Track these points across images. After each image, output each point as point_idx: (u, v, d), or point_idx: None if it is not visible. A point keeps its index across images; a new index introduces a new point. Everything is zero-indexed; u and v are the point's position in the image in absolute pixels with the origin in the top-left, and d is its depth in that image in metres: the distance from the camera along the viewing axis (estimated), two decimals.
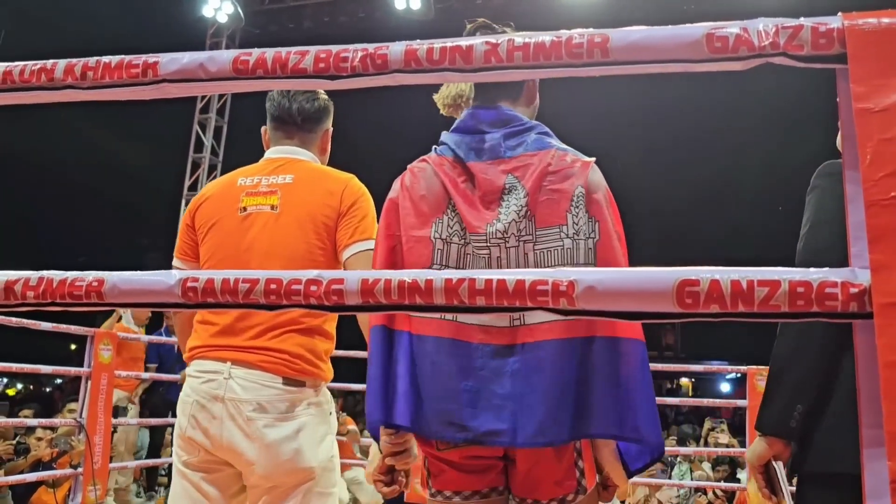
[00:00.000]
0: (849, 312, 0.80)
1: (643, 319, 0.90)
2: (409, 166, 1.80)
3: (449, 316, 1.61)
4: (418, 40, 1.01)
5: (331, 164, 2.41)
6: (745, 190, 18.58)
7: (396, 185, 1.78)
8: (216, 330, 2.15)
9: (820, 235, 1.65)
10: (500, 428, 1.56)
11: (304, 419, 2.09)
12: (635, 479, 6.20)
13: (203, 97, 12.28)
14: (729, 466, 7.12)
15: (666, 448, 7.27)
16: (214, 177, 12.28)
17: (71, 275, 1.11)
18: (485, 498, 1.70)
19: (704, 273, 0.85)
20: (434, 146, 1.81)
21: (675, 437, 8.73)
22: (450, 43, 0.99)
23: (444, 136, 1.80)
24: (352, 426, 6.56)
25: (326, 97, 2.36)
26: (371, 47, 1.03)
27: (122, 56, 1.16)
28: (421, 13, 11.05)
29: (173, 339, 6.86)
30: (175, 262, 2.31)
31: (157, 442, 7.42)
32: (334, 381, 2.27)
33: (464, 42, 0.98)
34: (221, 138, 12.50)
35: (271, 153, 2.32)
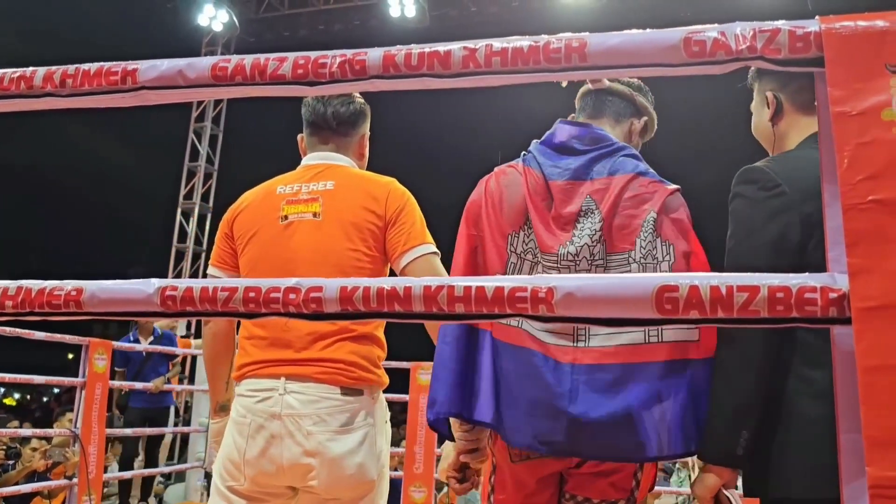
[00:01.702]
0: (828, 318, 0.79)
1: (623, 326, 0.89)
2: (496, 169, 1.80)
3: (527, 326, 1.62)
4: (396, 46, 1.00)
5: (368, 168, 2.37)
6: None
7: (480, 188, 1.78)
8: (265, 344, 2.08)
9: (745, 249, 1.59)
10: (580, 441, 1.57)
11: (364, 430, 2.03)
12: None
13: (198, 106, 12.31)
14: None
15: None
16: (210, 185, 12.29)
17: (49, 284, 1.10)
18: None
19: (683, 279, 0.84)
20: (522, 153, 1.80)
21: None
22: (427, 49, 0.98)
23: (533, 146, 1.79)
24: None
25: (363, 101, 2.31)
26: (349, 53, 1.02)
27: (102, 63, 1.15)
28: (416, 21, 11.08)
29: (139, 345, 6.80)
30: (211, 270, 2.24)
31: (129, 452, 7.34)
32: None
33: (441, 48, 0.98)
34: (217, 147, 12.51)
35: (309, 160, 2.27)
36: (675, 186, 1.70)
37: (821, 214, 1.52)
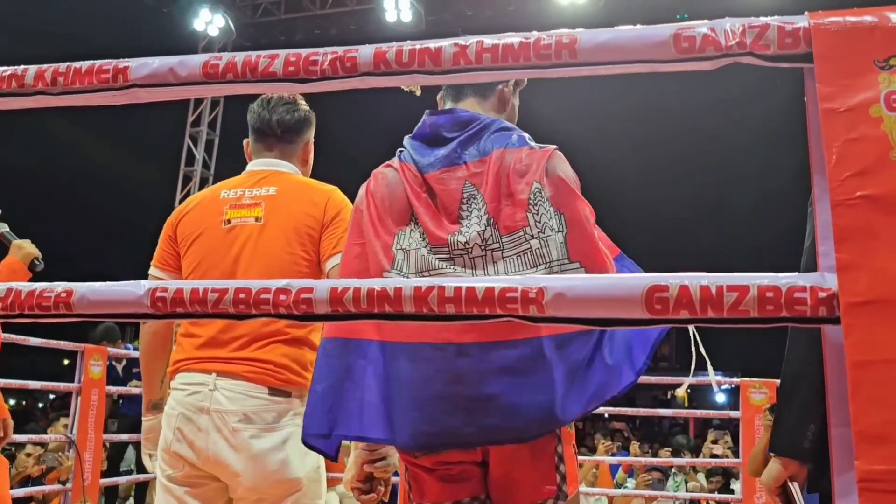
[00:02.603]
0: (817, 317, 0.79)
1: (614, 326, 0.89)
2: (374, 172, 1.77)
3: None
4: (387, 43, 1.00)
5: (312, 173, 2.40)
6: (744, 196, 18.50)
7: (362, 191, 1.76)
8: (201, 342, 2.13)
9: None
10: (470, 430, 1.54)
11: (290, 429, 2.07)
12: (631, 490, 6.17)
13: (194, 110, 12.29)
14: (722, 477, 7.10)
15: (661, 459, 7.21)
16: None
17: (39, 286, 1.09)
18: None
19: (673, 279, 0.84)
20: (399, 150, 1.78)
21: (671, 448, 8.68)
22: (419, 45, 0.98)
23: (406, 141, 1.77)
24: None
25: (308, 108, 2.35)
26: (340, 50, 1.02)
27: (93, 61, 1.14)
28: (412, 25, 11.08)
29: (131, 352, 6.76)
30: (153, 270, 2.28)
31: (115, 457, 7.29)
32: None
33: (432, 44, 0.98)
34: (213, 151, 12.50)
35: (253, 165, 2.32)
36: (551, 147, 1.66)
37: None
